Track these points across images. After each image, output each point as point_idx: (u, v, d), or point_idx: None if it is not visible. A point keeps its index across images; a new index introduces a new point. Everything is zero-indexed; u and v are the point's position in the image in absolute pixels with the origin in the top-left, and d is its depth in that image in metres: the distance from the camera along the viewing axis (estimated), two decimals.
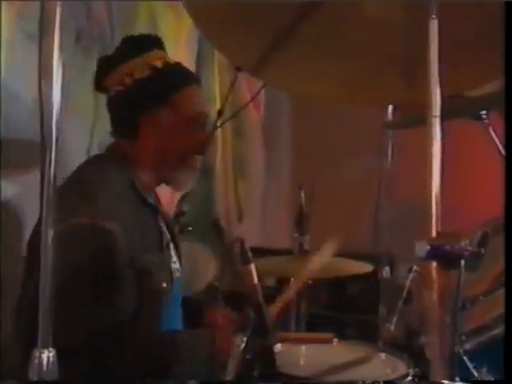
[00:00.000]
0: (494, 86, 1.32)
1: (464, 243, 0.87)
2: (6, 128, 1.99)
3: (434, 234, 0.91)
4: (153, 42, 1.82)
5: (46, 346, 1.03)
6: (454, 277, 0.90)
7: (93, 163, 1.79)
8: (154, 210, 1.78)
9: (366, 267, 2.17)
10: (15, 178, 2.03)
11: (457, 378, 1.07)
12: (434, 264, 0.87)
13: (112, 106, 1.78)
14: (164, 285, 1.69)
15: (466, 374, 1.53)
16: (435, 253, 0.87)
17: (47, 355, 1.03)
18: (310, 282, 2.28)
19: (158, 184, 1.82)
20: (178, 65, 1.82)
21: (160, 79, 1.74)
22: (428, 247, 0.87)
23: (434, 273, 0.87)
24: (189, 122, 1.76)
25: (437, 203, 0.91)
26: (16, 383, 1.41)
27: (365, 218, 3.08)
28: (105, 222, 1.53)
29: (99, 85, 1.81)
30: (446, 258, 0.87)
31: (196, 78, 1.89)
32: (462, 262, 0.87)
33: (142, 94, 1.73)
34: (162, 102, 1.73)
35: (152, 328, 1.67)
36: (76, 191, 1.61)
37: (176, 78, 1.77)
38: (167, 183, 1.82)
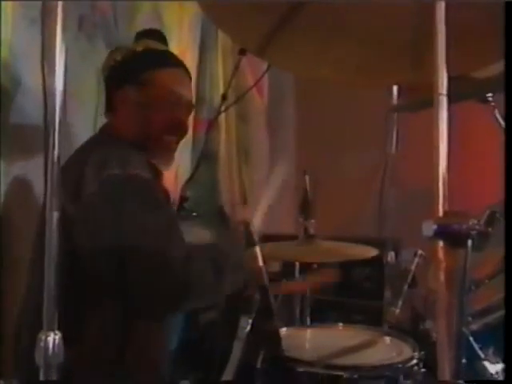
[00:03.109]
0: (500, 68, 1.31)
1: (471, 222, 0.86)
2: (12, 113, 2.00)
3: (440, 213, 0.90)
4: (148, 34, 1.95)
5: (51, 329, 1.03)
6: (461, 256, 0.89)
7: (89, 142, 1.84)
8: (157, 172, 1.83)
9: (371, 252, 2.16)
10: (21, 163, 2.03)
11: (463, 360, 1.06)
12: (441, 243, 0.87)
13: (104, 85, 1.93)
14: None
15: (472, 355, 1.53)
16: (442, 231, 0.86)
17: (53, 338, 1.03)
18: (315, 266, 2.28)
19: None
20: (157, 49, 1.92)
21: (135, 60, 1.85)
22: (435, 226, 0.87)
23: (440, 252, 0.87)
24: (161, 101, 1.82)
25: (444, 182, 0.91)
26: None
27: (370, 202, 3.07)
28: (138, 171, 1.60)
29: None
30: (453, 236, 0.86)
31: (178, 62, 1.94)
32: (470, 241, 0.87)
33: (117, 73, 1.86)
34: (134, 81, 1.82)
35: None
36: (101, 149, 1.69)
37: (151, 60, 1.86)
38: (151, 159, 1.84)
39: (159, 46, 1.93)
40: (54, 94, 1.05)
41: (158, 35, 1.97)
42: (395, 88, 2.54)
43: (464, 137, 2.02)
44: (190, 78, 1.97)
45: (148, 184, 1.62)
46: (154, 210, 1.57)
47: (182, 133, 1.90)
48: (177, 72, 1.90)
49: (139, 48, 1.87)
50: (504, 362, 0.96)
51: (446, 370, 0.90)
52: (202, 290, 1.52)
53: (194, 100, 1.98)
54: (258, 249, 1.40)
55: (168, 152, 1.87)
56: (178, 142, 1.90)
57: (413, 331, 2.01)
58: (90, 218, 1.54)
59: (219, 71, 3.29)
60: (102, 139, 1.83)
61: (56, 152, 1.05)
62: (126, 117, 1.83)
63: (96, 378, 1.54)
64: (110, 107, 1.88)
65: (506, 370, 0.97)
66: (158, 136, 1.82)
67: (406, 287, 2.08)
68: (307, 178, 2.24)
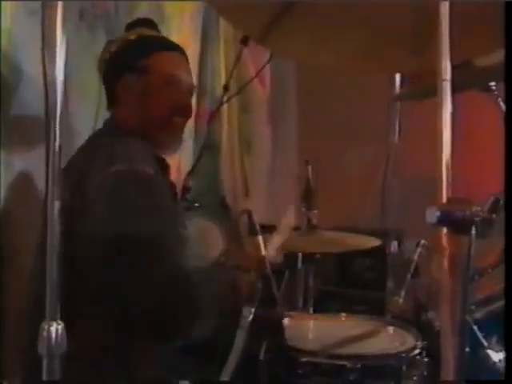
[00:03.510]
0: (503, 55, 1.30)
1: (475, 209, 0.86)
2: (13, 103, 1.99)
3: (444, 200, 0.90)
4: (140, 23, 1.95)
5: (54, 319, 1.03)
6: (465, 243, 0.88)
7: (93, 138, 1.84)
8: (164, 166, 1.84)
9: (373, 242, 2.17)
10: (22, 154, 2.03)
11: (467, 349, 1.06)
12: (445, 230, 0.87)
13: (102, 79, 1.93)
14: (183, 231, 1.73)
15: (475, 344, 1.53)
16: (446, 218, 0.86)
17: (56, 328, 1.03)
18: (318, 256, 2.28)
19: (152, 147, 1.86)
20: (150, 35, 1.93)
21: (130, 48, 1.86)
22: (438, 213, 0.86)
23: (444, 239, 0.86)
24: (161, 85, 1.83)
25: (447, 169, 0.90)
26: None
27: (372, 192, 3.06)
28: (142, 167, 1.61)
29: None
30: (456, 223, 0.86)
31: (173, 45, 1.95)
32: (473, 227, 0.87)
33: (114, 65, 1.86)
34: (131, 69, 1.83)
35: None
36: (108, 141, 1.71)
37: (145, 46, 1.87)
38: (155, 148, 1.85)
39: (152, 33, 1.94)
40: (54, 84, 1.05)
41: (150, 23, 1.97)
42: (397, 77, 2.53)
43: (467, 127, 2.01)
44: (188, 61, 1.97)
45: (153, 182, 1.63)
46: (157, 210, 1.58)
47: (187, 114, 1.90)
48: (173, 55, 1.91)
49: (132, 36, 1.88)
50: (505, 361, 0.95)
51: (449, 358, 0.90)
52: (203, 309, 1.53)
53: (194, 82, 1.98)
54: (260, 238, 1.40)
55: (176, 134, 1.89)
56: (184, 123, 1.91)
57: (415, 321, 2.01)
58: (92, 214, 1.54)
59: (221, 62, 3.28)
60: (106, 134, 1.83)
61: (57, 142, 1.05)
62: (129, 107, 1.83)
63: (94, 378, 1.54)
64: (112, 100, 1.89)
65: (506, 370, 0.97)
66: (163, 120, 1.83)
67: (408, 277, 2.08)
68: (310, 168, 2.24)
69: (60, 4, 1.03)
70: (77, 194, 1.55)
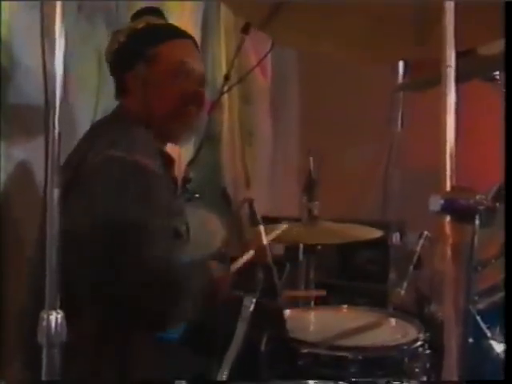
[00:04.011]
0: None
1: (479, 197, 0.85)
2: (13, 94, 2.00)
3: (448, 188, 0.89)
4: (147, 12, 1.93)
5: (53, 308, 1.03)
6: (469, 232, 0.88)
7: (107, 124, 1.84)
8: (169, 159, 1.85)
9: (375, 233, 2.17)
10: (21, 144, 2.03)
11: (470, 339, 1.06)
12: (448, 219, 0.86)
13: (109, 69, 1.92)
14: (184, 227, 1.72)
15: (478, 334, 1.53)
16: (449, 206, 0.86)
17: (55, 317, 1.03)
18: (319, 248, 2.28)
19: (160, 139, 1.86)
20: (159, 24, 1.92)
21: (139, 37, 1.85)
22: (442, 201, 0.86)
23: (447, 228, 0.86)
24: (172, 74, 1.82)
25: (451, 157, 0.90)
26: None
27: (375, 183, 3.05)
28: (140, 157, 1.60)
29: None
30: (460, 211, 0.86)
31: (182, 32, 1.94)
32: (477, 216, 0.86)
33: (124, 54, 1.85)
34: (142, 58, 1.82)
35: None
36: (111, 129, 1.72)
37: (155, 34, 1.86)
38: (167, 139, 1.87)
39: (160, 22, 1.93)
40: (54, 74, 1.04)
41: (157, 12, 1.96)
42: (401, 66, 2.52)
43: (470, 117, 2.00)
44: (198, 48, 1.96)
45: (150, 175, 1.61)
46: (146, 201, 1.56)
47: (200, 103, 1.89)
48: (183, 43, 1.90)
49: (140, 25, 1.87)
50: (505, 361, 0.95)
51: (452, 349, 0.90)
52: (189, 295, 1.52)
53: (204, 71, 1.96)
54: (261, 227, 1.40)
55: (189, 123, 1.88)
56: (197, 112, 1.89)
57: (418, 313, 2.01)
58: (81, 195, 1.54)
59: (222, 52, 3.27)
60: (113, 122, 1.82)
61: (56, 130, 1.05)
62: (139, 96, 1.82)
63: (89, 377, 1.54)
64: (122, 90, 1.88)
65: (505, 370, 0.97)
66: (176, 109, 1.82)
67: (411, 269, 2.07)
68: (311, 158, 2.23)
69: None
70: (74, 177, 1.55)
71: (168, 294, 1.48)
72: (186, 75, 1.84)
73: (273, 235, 1.64)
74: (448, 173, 0.89)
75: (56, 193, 1.05)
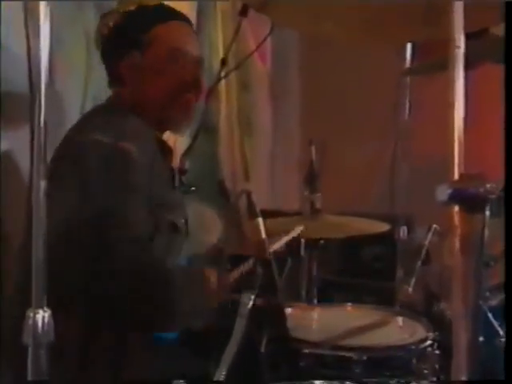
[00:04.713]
0: None
1: (489, 186, 0.85)
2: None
3: (456, 176, 0.89)
4: None
5: (40, 306, 1.03)
6: (479, 222, 0.88)
7: (98, 112, 1.83)
8: (167, 150, 1.85)
9: (381, 227, 2.16)
10: (8, 134, 2.03)
11: (481, 338, 1.06)
12: (457, 209, 0.86)
13: (101, 57, 1.89)
14: (182, 220, 1.71)
15: (490, 332, 1.53)
16: (458, 196, 0.85)
17: (42, 315, 1.03)
18: (322, 242, 2.28)
19: (158, 128, 1.86)
20: (151, 4, 1.88)
21: (131, 21, 1.81)
22: (450, 190, 0.86)
23: (456, 218, 0.86)
24: (168, 59, 1.80)
25: (460, 143, 0.90)
26: None
27: (381, 174, 3.06)
28: (123, 143, 1.58)
29: None
30: (469, 201, 0.85)
31: (177, 13, 1.91)
32: (487, 205, 0.86)
33: (115, 40, 1.82)
34: (135, 45, 1.80)
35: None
36: (99, 116, 1.72)
37: (147, 17, 1.83)
38: (165, 127, 1.87)
39: (152, 1, 1.89)
40: (38, 59, 1.04)
41: None
42: (408, 50, 2.52)
43: (481, 102, 2.00)
44: (194, 30, 1.94)
45: (132, 160, 1.58)
46: (127, 192, 1.55)
47: (198, 89, 1.87)
48: (178, 25, 1.88)
49: (132, 7, 1.83)
50: (504, 361, 0.95)
51: (461, 346, 0.90)
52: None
53: (201, 54, 1.95)
54: (260, 220, 1.40)
55: (188, 110, 1.86)
56: (196, 99, 1.88)
57: (426, 311, 2.01)
58: (58, 180, 1.51)
59: (219, 36, 3.27)
60: (107, 110, 1.81)
61: (42, 117, 1.04)
62: (134, 85, 1.81)
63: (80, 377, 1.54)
64: (116, 78, 1.85)
65: (505, 370, 0.97)
66: (173, 96, 1.81)
67: (419, 264, 2.08)
68: (313, 148, 2.23)
69: None
70: (54, 157, 1.55)
71: (156, 296, 1.47)
72: (183, 60, 1.82)
73: (289, 236, 1.64)
74: (456, 160, 0.89)
75: (42, 185, 1.04)
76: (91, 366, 1.55)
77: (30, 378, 1.01)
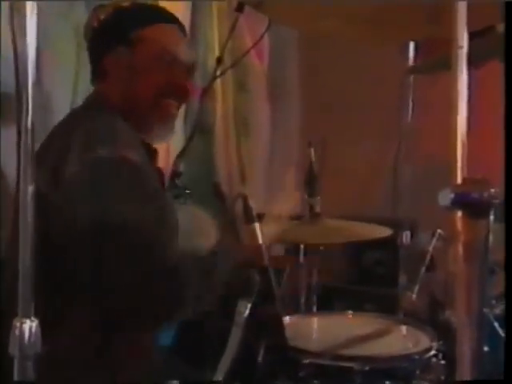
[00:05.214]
0: None
1: (494, 190, 0.86)
2: None
3: (459, 180, 0.90)
4: None
5: (27, 315, 1.03)
6: (483, 228, 0.88)
7: (74, 115, 1.82)
8: (151, 151, 1.83)
9: (384, 231, 2.17)
10: None
11: (485, 348, 1.06)
12: (460, 214, 0.87)
13: (87, 49, 1.89)
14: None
15: (495, 342, 1.53)
16: (461, 200, 0.86)
17: (29, 325, 1.02)
18: (321, 247, 2.28)
19: (138, 131, 1.83)
20: (147, 4, 1.92)
21: (122, 17, 1.82)
22: (453, 194, 0.86)
23: (459, 224, 0.86)
24: (155, 61, 1.79)
25: (463, 146, 0.90)
26: None
27: (383, 177, 3.06)
28: (127, 152, 1.58)
29: None
30: (473, 206, 0.85)
31: (170, 16, 1.91)
32: (492, 211, 0.86)
33: (103, 34, 1.82)
34: (123, 41, 1.79)
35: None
36: (89, 120, 1.69)
37: (140, 16, 1.83)
38: (143, 134, 1.83)
39: (147, 1, 1.91)
40: (25, 56, 1.04)
41: None
42: (411, 48, 2.52)
43: (486, 103, 2.01)
44: (187, 37, 1.95)
45: (138, 169, 1.60)
46: (143, 201, 1.56)
47: (182, 96, 1.86)
48: (170, 28, 1.87)
49: (126, 3, 1.84)
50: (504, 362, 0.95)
51: (465, 356, 0.90)
52: (189, 297, 1.52)
53: (192, 60, 1.95)
54: (257, 225, 1.40)
55: (167, 118, 1.84)
56: (178, 108, 1.87)
57: (431, 320, 2.01)
58: (68, 207, 1.53)
59: (214, 34, 3.27)
60: (89, 111, 1.79)
61: (30, 118, 1.04)
62: (117, 83, 1.80)
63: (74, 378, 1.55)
64: (98, 74, 1.84)
65: (505, 370, 0.97)
66: (155, 101, 1.80)
67: (423, 270, 2.08)
68: (312, 150, 2.23)
69: None
70: (53, 181, 1.54)
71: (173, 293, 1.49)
72: (171, 64, 1.81)
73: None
74: (459, 163, 0.89)
75: (30, 188, 1.04)
76: (88, 367, 1.56)
77: None
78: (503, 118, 0.99)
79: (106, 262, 1.49)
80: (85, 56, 1.94)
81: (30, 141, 1.03)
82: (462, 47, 0.91)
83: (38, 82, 1.05)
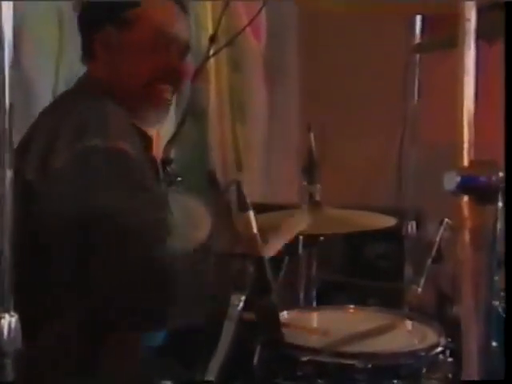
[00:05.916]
0: None
1: (502, 173, 0.85)
2: None
3: (465, 163, 0.89)
4: None
5: (6, 310, 1.03)
6: (490, 214, 0.88)
7: (64, 98, 1.82)
8: (145, 138, 1.83)
9: (387, 221, 2.17)
10: None
11: (494, 343, 1.06)
12: (466, 199, 0.86)
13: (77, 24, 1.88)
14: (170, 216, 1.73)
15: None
16: (467, 184, 0.85)
17: (8, 320, 1.02)
18: (321, 238, 2.28)
19: (132, 117, 1.83)
20: None
21: None
22: (459, 178, 0.85)
23: (465, 209, 0.86)
24: (149, 42, 1.79)
25: (469, 127, 0.89)
26: None
27: (387, 164, 3.06)
28: (119, 143, 1.58)
29: None
30: (480, 190, 0.85)
31: None
32: (500, 195, 0.86)
33: (94, 11, 1.82)
34: (116, 19, 1.79)
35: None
36: (78, 104, 1.68)
37: None
38: (136, 119, 1.83)
39: None
40: (2, 35, 1.03)
41: None
42: (417, 25, 2.51)
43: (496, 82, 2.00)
44: (186, 12, 1.93)
45: (131, 159, 1.59)
46: (137, 192, 1.56)
47: (178, 81, 1.87)
48: (168, 6, 1.86)
49: None
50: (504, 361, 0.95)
51: (472, 351, 0.90)
52: (179, 296, 1.52)
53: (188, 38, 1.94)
54: (251, 213, 1.40)
55: (161, 104, 1.85)
56: (173, 92, 1.87)
57: (438, 314, 2.01)
58: (56, 197, 1.53)
59: (207, 11, 3.26)
60: (80, 95, 1.79)
61: (7, 99, 1.04)
62: (108, 64, 1.80)
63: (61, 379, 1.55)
64: (88, 53, 1.84)
65: (505, 370, 0.97)
66: (147, 85, 1.80)
67: (429, 262, 2.08)
68: (312, 135, 2.23)
69: None
70: (40, 168, 1.54)
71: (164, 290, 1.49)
72: (166, 46, 1.82)
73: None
74: (465, 145, 0.89)
75: (9, 174, 1.04)
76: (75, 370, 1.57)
77: None
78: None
79: (93, 254, 1.49)
80: (68, 36, 1.94)
81: (7, 124, 1.02)
82: (469, 20, 0.90)
83: (17, 64, 1.04)
